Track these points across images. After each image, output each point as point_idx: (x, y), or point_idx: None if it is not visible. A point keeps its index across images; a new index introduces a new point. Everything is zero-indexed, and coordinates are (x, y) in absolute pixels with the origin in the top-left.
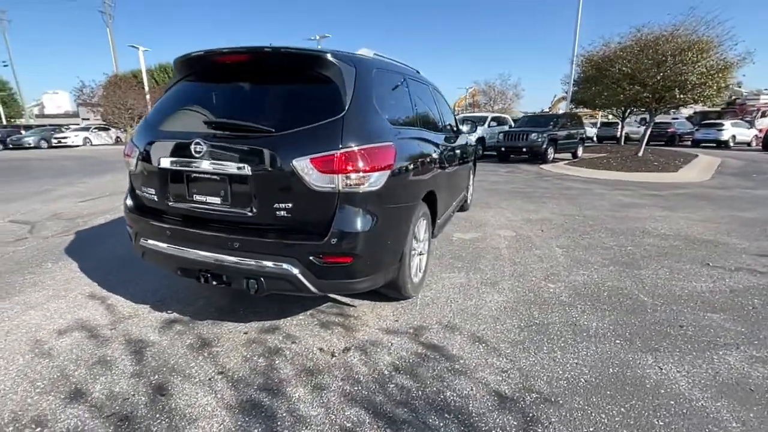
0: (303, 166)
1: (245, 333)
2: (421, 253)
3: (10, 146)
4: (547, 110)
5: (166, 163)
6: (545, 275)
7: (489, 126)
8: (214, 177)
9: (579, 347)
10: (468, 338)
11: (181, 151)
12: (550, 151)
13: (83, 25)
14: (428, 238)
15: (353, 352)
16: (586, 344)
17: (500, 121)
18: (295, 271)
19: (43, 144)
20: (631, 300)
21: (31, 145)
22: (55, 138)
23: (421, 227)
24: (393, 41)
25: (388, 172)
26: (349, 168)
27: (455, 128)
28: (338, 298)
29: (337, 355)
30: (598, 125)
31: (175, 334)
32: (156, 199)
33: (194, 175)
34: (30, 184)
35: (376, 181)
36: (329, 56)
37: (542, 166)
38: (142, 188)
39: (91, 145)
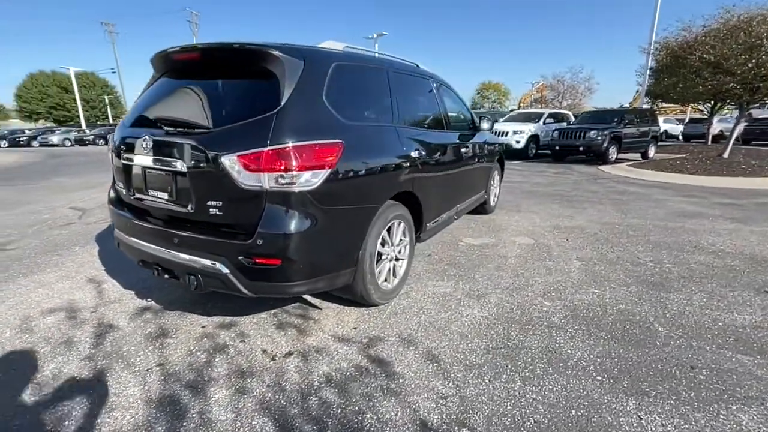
0: (231, 163)
1: (203, 327)
2: (397, 259)
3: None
4: (627, 105)
5: (124, 158)
6: (545, 291)
7: (545, 123)
8: (161, 172)
9: (546, 380)
10: (421, 355)
11: (133, 147)
12: (612, 150)
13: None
14: (410, 242)
15: (294, 357)
16: (558, 377)
17: (559, 118)
18: (226, 270)
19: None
20: (641, 329)
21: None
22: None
23: (398, 231)
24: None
25: (327, 171)
26: (278, 166)
27: (472, 125)
28: (308, 298)
29: (277, 358)
30: (686, 122)
31: (141, 322)
32: (123, 192)
33: (147, 170)
34: (102, 175)
35: (310, 180)
36: (272, 50)
37: (601, 167)
38: (116, 182)
39: None
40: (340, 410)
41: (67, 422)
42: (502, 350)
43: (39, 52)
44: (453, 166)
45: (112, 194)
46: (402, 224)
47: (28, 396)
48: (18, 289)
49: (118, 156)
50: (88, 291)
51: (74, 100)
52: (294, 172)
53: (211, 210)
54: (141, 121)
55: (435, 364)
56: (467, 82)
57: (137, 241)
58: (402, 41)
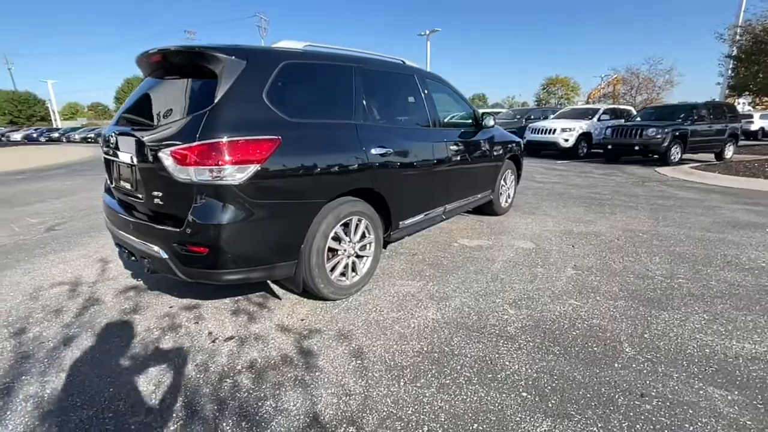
0: (166, 157)
1: (170, 307)
2: (359, 255)
3: None
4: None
5: (104, 151)
6: (517, 298)
7: (599, 119)
8: (124, 165)
9: (465, 390)
10: (350, 352)
11: (107, 142)
12: (675, 150)
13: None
14: (375, 240)
15: (233, 342)
16: (478, 388)
17: (618, 114)
18: (165, 256)
19: None
20: (604, 348)
21: None
22: None
23: (359, 228)
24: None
25: (256, 167)
26: (204, 161)
27: (474, 123)
28: (272, 287)
29: (217, 341)
30: None
31: (123, 298)
32: (108, 182)
33: (115, 162)
34: None
35: (235, 174)
36: (213, 51)
37: (658, 168)
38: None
39: None
40: (245, 395)
41: (28, 365)
42: (435, 355)
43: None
44: (438, 164)
45: (105, 184)
46: (364, 221)
47: (11, 346)
48: (45, 264)
49: (103, 149)
50: (95, 269)
51: None
52: (219, 167)
53: (155, 200)
54: (118, 119)
55: (358, 362)
56: (532, 77)
57: (113, 226)
58: (463, 37)
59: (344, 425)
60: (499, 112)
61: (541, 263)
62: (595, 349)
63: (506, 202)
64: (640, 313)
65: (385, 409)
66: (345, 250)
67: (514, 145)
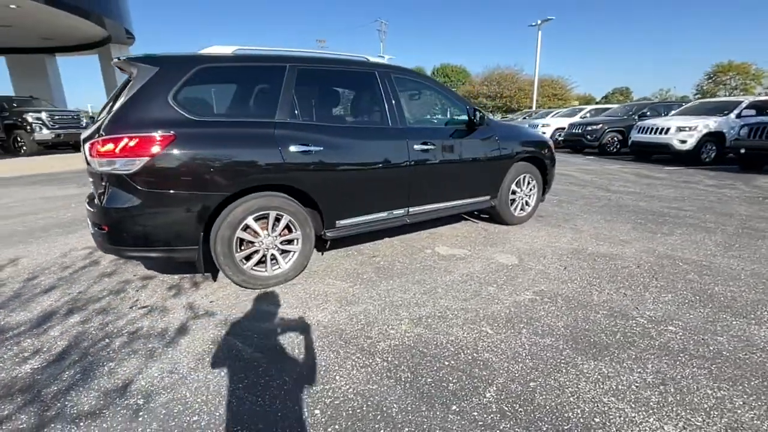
0: (86, 150)
1: (134, 276)
2: (282, 250)
3: None
4: None
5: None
6: (427, 315)
7: (740, 116)
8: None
9: (264, 396)
10: (211, 336)
11: None
12: None
13: (366, 45)
14: (303, 236)
15: (143, 310)
16: (274, 397)
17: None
18: (93, 231)
19: None
20: (462, 386)
21: None
22: None
23: (280, 222)
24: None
25: (145, 159)
26: (102, 153)
27: (469, 121)
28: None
29: (134, 308)
30: None
31: (113, 265)
32: None
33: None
34: None
35: (127, 165)
36: (131, 60)
37: None
38: None
39: None
40: (102, 354)
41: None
42: (268, 352)
43: None
44: (395, 165)
45: None
46: (286, 216)
47: (18, 286)
48: (83, 234)
49: None
50: None
51: None
52: (114, 158)
53: (93, 185)
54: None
55: (206, 346)
56: (693, 65)
57: None
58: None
59: (138, 397)
60: (607, 108)
61: (501, 282)
62: (449, 386)
63: (521, 210)
64: (560, 357)
65: (167, 390)
66: (262, 243)
67: (533, 146)
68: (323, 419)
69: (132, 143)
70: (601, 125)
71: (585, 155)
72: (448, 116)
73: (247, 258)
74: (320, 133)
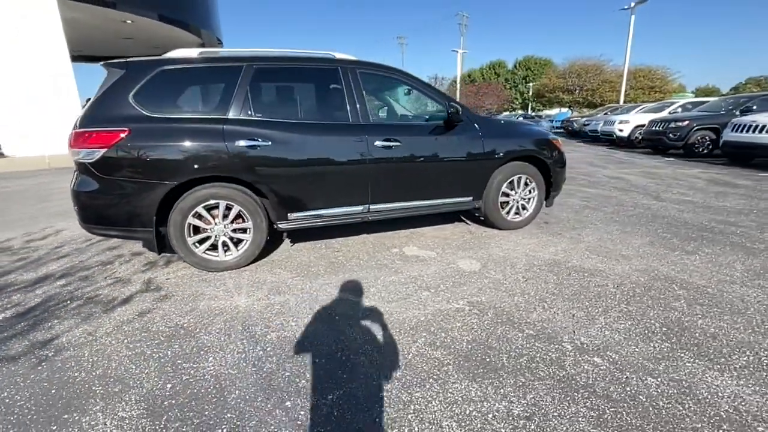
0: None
1: (129, 250)
2: (233, 239)
3: None
4: None
5: None
6: (335, 314)
7: None
8: None
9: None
10: (141, 311)
11: None
12: None
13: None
14: (254, 226)
15: (114, 281)
16: (154, 364)
17: None
18: (75, 208)
19: None
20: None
21: None
22: None
23: (231, 212)
24: None
25: (103, 150)
26: (71, 144)
27: (447, 118)
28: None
29: (106, 279)
30: None
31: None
32: None
33: None
34: None
35: (88, 155)
36: (107, 64)
37: None
38: None
39: None
40: (56, 312)
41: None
42: (173, 328)
43: None
44: (351, 161)
45: None
46: (236, 207)
47: (45, 252)
48: None
49: None
50: None
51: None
52: (78, 149)
53: None
54: None
55: (130, 316)
56: None
57: None
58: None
59: (51, 351)
60: (704, 102)
61: (443, 288)
62: (301, 382)
63: (516, 214)
64: (436, 372)
65: (86, 354)
66: (213, 230)
67: (530, 144)
68: (171, 392)
69: (92, 137)
70: (687, 122)
71: (666, 156)
72: (430, 112)
73: (201, 242)
74: (269, 129)
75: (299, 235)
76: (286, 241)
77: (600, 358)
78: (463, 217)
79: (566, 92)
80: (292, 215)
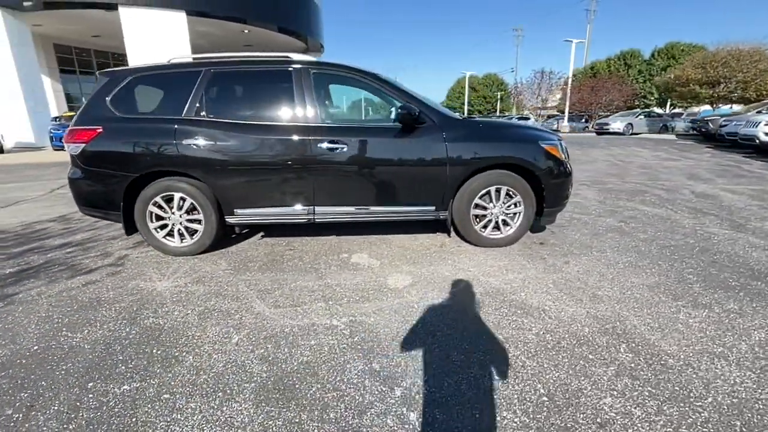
0: None
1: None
2: (187, 228)
3: None
4: None
5: None
6: (201, 310)
7: None
8: None
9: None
10: (91, 280)
11: None
12: None
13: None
14: (205, 218)
15: (97, 253)
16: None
17: None
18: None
19: None
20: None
21: None
22: None
23: (185, 203)
24: None
25: (83, 145)
26: (66, 139)
27: (409, 119)
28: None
29: (93, 251)
30: None
31: None
32: None
33: None
34: None
35: (75, 148)
36: (98, 72)
37: None
38: None
39: None
40: (37, 272)
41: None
42: (87, 303)
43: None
44: (293, 162)
45: None
46: (189, 199)
47: (59, 228)
48: None
49: None
50: None
51: (476, 97)
52: (68, 144)
53: None
54: None
55: (82, 282)
56: None
57: None
58: None
59: (7, 299)
60: None
61: (342, 300)
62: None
63: (496, 230)
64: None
65: (19, 309)
66: (170, 218)
67: (512, 151)
68: (30, 352)
69: (77, 134)
70: None
71: None
72: (372, 114)
73: (162, 228)
74: (214, 129)
75: (273, 230)
76: (259, 234)
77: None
78: (451, 228)
79: (706, 85)
80: (238, 211)
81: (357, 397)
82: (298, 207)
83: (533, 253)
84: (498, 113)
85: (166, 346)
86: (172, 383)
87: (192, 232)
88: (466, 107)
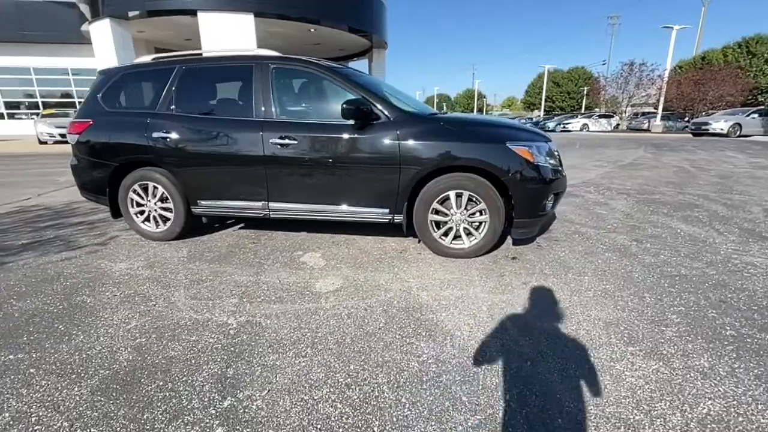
0: None
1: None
2: (161, 215)
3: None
4: None
5: None
6: (135, 295)
7: None
8: None
9: None
10: (71, 256)
11: None
12: None
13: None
14: (174, 206)
15: (97, 233)
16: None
17: None
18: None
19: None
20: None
21: None
22: (562, 124)
23: (157, 192)
24: None
25: (78, 135)
26: (68, 131)
27: (362, 115)
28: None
29: (95, 229)
30: None
31: None
32: None
33: None
34: None
35: (73, 138)
36: (97, 71)
37: None
38: None
39: (587, 130)
40: (44, 245)
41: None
42: (56, 282)
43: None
44: (248, 157)
45: None
46: (161, 188)
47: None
48: None
49: None
50: None
51: (559, 93)
52: (70, 134)
53: None
54: None
55: (63, 256)
56: None
57: None
58: None
59: (17, 261)
60: None
61: (257, 299)
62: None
63: (458, 240)
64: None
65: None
66: (147, 205)
67: (470, 153)
68: None
69: (74, 126)
70: None
71: None
72: (328, 110)
73: (141, 214)
74: (180, 123)
75: (252, 223)
76: (238, 225)
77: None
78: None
79: None
80: (201, 202)
81: (183, 401)
82: (255, 202)
83: (495, 268)
84: (583, 110)
85: (72, 324)
86: (46, 359)
87: (165, 220)
88: (542, 104)
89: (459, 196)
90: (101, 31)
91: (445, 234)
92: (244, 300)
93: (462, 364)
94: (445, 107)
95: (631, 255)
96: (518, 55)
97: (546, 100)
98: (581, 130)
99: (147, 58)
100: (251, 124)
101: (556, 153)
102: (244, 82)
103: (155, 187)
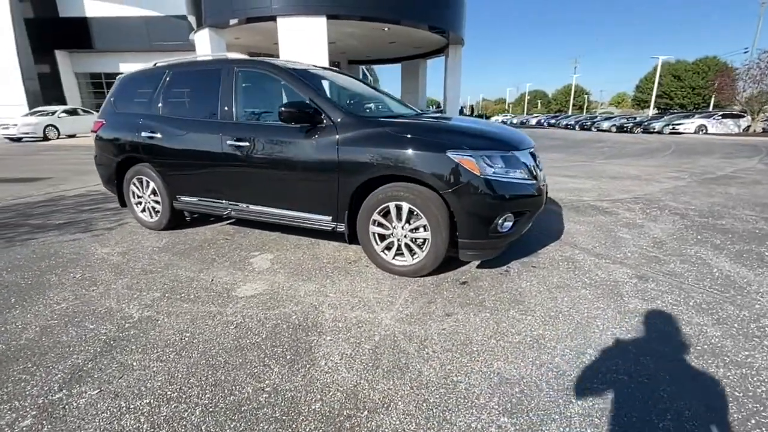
0: None
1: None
2: (153, 207)
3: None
4: None
5: None
6: (98, 283)
7: None
8: None
9: None
10: (72, 239)
11: None
12: None
13: None
14: (161, 200)
15: (105, 223)
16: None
17: None
18: None
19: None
20: None
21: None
22: (672, 125)
23: (149, 186)
24: None
25: (95, 134)
26: (93, 128)
27: (307, 118)
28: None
29: (102, 216)
30: None
31: None
32: None
33: None
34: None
35: (94, 136)
36: (119, 76)
37: None
38: None
39: (704, 133)
40: (51, 229)
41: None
42: (43, 264)
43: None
44: (211, 158)
45: None
46: (152, 184)
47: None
48: None
49: None
50: None
51: (679, 87)
52: (92, 132)
53: None
54: None
55: (51, 241)
56: None
57: None
58: None
59: (33, 242)
60: None
61: (184, 297)
62: None
63: (400, 256)
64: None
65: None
66: (143, 198)
67: (402, 161)
68: None
69: (95, 124)
70: None
71: None
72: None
73: (139, 205)
74: (163, 124)
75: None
76: (226, 221)
77: None
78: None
79: None
80: (180, 198)
81: (27, 387)
82: (218, 200)
83: (430, 293)
84: (711, 108)
85: (21, 299)
86: None
87: (157, 212)
88: (653, 100)
89: (399, 208)
90: (202, 40)
91: (388, 248)
92: (166, 295)
93: (293, 399)
94: (433, 107)
95: (615, 296)
96: (631, 47)
97: (662, 96)
98: (696, 132)
99: (148, 65)
100: (213, 126)
101: (527, 164)
102: (214, 85)
103: (147, 182)
